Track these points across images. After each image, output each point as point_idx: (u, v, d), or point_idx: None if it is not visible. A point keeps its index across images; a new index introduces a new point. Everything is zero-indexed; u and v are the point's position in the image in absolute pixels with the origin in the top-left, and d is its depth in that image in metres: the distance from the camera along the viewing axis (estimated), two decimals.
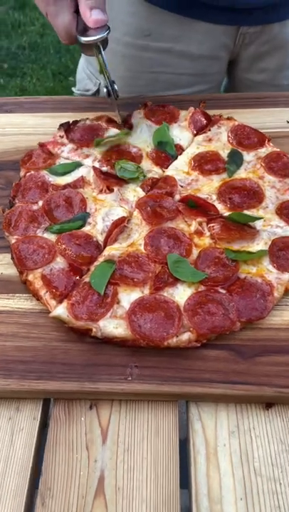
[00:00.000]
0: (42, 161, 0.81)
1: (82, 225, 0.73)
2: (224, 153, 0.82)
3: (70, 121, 0.87)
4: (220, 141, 0.84)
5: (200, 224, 0.73)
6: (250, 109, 0.92)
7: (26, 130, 0.90)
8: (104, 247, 0.71)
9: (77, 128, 0.86)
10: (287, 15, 0.96)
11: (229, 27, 0.97)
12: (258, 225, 0.73)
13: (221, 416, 0.59)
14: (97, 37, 0.73)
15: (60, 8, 0.72)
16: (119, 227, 0.72)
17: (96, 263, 0.69)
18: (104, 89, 0.80)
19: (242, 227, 0.72)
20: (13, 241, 0.71)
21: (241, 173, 0.79)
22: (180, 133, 0.86)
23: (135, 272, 0.66)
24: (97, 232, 0.72)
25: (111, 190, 0.78)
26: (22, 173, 0.81)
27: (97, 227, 0.73)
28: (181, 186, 0.78)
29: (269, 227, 0.72)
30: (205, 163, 0.80)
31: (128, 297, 0.64)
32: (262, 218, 0.72)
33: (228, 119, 0.87)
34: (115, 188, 0.78)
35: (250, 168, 0.80)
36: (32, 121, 0.92)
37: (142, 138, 0.85)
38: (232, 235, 0.71)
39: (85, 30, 0.73)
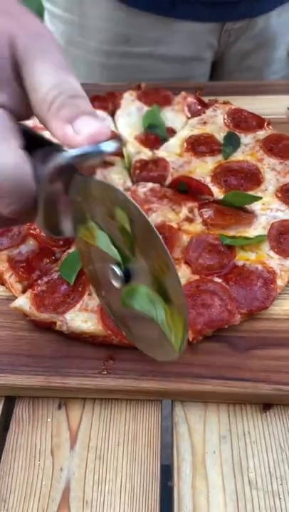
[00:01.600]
0: None
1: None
2: (220, 136, 0.76)
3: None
4: (215, 124, 0.78)
5: (190, 210, 0.66)
6: (247, 96, 0.86)
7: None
8: None
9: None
10: (272, 6, 0.92)
11: (213, 24, 0.92)
12: (256, 208, 0.65)
13: (211, 418, 0.50)
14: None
15: None
16: None
17: (69, 251, 0.61)
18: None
19: (237, 211, 0.65)
20: None
21: (238, 156, 0.73)
22: (173, 116, 0.80)
23: None
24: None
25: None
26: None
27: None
28: (173, 168, 0.71)
29: (269, 210, 0.65)
30: (198, 145, 0.74)
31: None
32: (260, 198, 0.65)
33: (224, 103, 0.82)
34: (98, 171, 0.72)
35: (248, 150, 0.73)
36: None
37: (131, 121, 0.79)
38: (227, 220, 0.64)
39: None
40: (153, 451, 0.49)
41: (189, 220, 0.65)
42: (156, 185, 0.69)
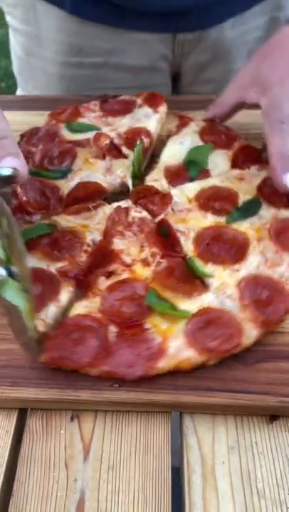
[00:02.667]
0: (67, 116, 0.82)
1: (61, 178, 0.73)
2: (243, 198, 0.69)
3: (111, 95, 0.86)
4: (250, 184, 0.71)
5: (152, 255, 0.63)
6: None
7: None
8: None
9: (115, 102, 0.85)
10: (222, 18, 0.93)
11: (164, 35, 0.93)
12: (213, 285, 0.60)
13: (219, 430, 0.52)
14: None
15: None
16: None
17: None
18: None
19: (194, 279, 0.60)
20: None
21: (243, 225, 0.66)
22: (220, 160, 0.75)
23: None
24: (67, 188, 0.71)
25: (105, 158, 0.75)
26: (45, 122, 0.82)
27: (69, 184, 0.71)
28: (172, 209, 0.68)
29: (221, 293, 0.59)
30: (215, 200, 0.69)
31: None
32: (209, 276, 0.60)
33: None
34: (108, 158, 0.75)
35: (258, 225, 0.66)
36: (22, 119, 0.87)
37: (178, 149, 0.76)
38: (173, 280, 0.59)
39: None
40: (163, 462, 0.50)
41: (146, 263, 0.62)
42: (149, 218, 0.67)
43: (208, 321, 0.55)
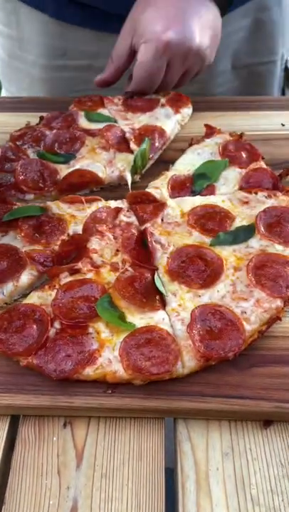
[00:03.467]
0: (90, 105, 0.86)
1: (63, 163, 0.76)
2: (239, 222, 0.66)
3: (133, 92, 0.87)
4: (252, 210, 0.68)
5: (123, 261, 0.62)
6: (243, 111, 0.88)
7: (7, 129, 0.85)
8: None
9: (139, 98, 0.87)
10: None
11: None
12: (170, 305, 0.58)
13: (213, 436, 0.52)
14: None
15: None
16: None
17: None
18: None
19: (155, 295, 0.59)
20: None
21: (227, 250, 0.63)
22: (231, 177, 0.73)
23: None
24: (64, 172, 0.74)
25: (109, 150, 0.77)
26: (70, 107, 0.85)
27: (68, 170, 0.74)
28: (162, 220, 0.67)
29: (175, 315, 0.57)
30: (208, 220, 0.66)
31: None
32: (161, 294, 0.58)
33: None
34: (112, 150, 0.77)
35: (242, 253, 0.63)
36: (16, 120, 0.87)
37: (194, 159, 0.76)
38: (132, 292, 0.58)
39: None
40: (157, 469, 0.50)
41: (114, 268, 0.61)
42: (135, 225, 0.66)
43: (148, 340, 0.54)
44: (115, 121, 0.82)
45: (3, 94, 1.12)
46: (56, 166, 0.75)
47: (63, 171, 0.74)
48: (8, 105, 0.92)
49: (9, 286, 0.59)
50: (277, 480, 0.49)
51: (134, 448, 0.51)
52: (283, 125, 0.85)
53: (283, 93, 1.13)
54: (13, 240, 0.64)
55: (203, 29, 0.77)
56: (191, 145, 0.78)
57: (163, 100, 0.85)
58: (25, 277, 0.60)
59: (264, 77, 1.07)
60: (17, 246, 0.63)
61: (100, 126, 0.80)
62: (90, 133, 0.80)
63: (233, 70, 1.03)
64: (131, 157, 0.75)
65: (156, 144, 0.78)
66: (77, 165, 0.75)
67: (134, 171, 0.74)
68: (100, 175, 0.73)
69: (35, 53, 0.96)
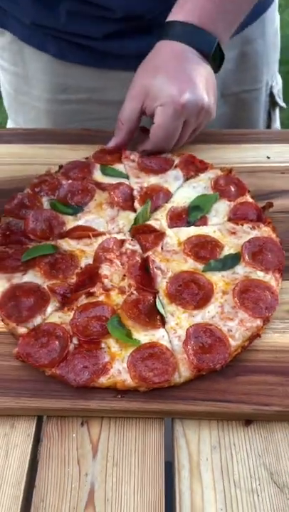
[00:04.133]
0: (108, 159, 0.91)
1: (71, 214, 0.83)
2: (228, 250, 0.76)
3: (149, 151, 0.93)
4: (238, 240, 0.77)
5: (129, 285, 0.72)
6: (232, 144, 0.98)
7: (23, 160, 0.96)
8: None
9: (154, 158, 0.91)
10: None
11: None
12: (169, 324, 0.68)
13: (204, 432, 0.63)
14: None
15: None
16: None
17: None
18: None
19: (156, 315, 0.69)
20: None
21: (215, 276, 0.73)
22: (221, 209, 0.83)
23: None
24: (70, 224, 0.81)
25: (114, 207, 0.84)
26: (90, 155, 0.93)
27: (76, 222, 0.82)
28: (161, 248, 0.77)
29: (172, 333, 0.67)
30: (201, 248, 0.76)
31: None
32: (165, 316, 0.68)
33: (273, 227, 0.80)
34: (116, 208, 0.83)
35: (229, 279, 0.72)
36: (30, 151, 0.97)
37: (189, 192, 0.85)
38: (136, 313, 0.68)
39: None
40: (158, 459, 0.61)
41: (121, 291, 0.71)
42: (139, 252, 0.76)
43: (151, 354, 0.64)
44: (127, 178, 0.88)
45: (10, 124, 1.21)
46: (64, 217, 0.81)
47: (70, 223, 0.81)
48: (21, 137, 1.02)
49: (38, 320, 0.69)
50: (255, 468, 0.60)
51: (139, 442, 0.62)
52: (269, 158, 0.95)
53: (269, 116, 1.23)
54: (34, 277, 0.73)
55: (208, 88, 0.85)
56: (187, 179, 0.88)
57: (176, 161, 0.90)
58: (50, 309, 0.70)
59: (251, 103, 1.17)
60: (38, 283, 0.72)
61: (112, 181, 0.86)
62: (101, 187, 0.85)
63: (221, 98, 1.11)
64: (132, 215, 0.82)
65: (159, 203, 0.84)
66: (83, 218, 0.81)
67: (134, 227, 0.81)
68: (102, 230, 0.80)
69: (40, 89, 1.05)
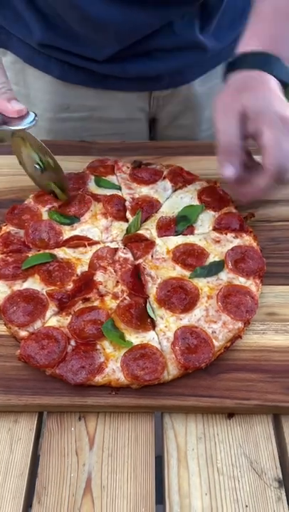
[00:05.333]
0: (101, 171, 0.96)
1: (68, 224, 0.88)
2: (212, 259, 0.81)
3: (144, 162, 0.98)
4: (222, 248, 0.83)
5: (122, 291, 0.77)
6: (201, 156, 1.02)
7: (21, 171, 1.01)
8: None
9: (145, 169, 0.96)
10: (191, 78, 1.08)
11: (141, 93, 1.08)
12: (159, 326, 0.74)
13: (190, 425, 0.69)
14: (26, 125, 0.83)
15: None
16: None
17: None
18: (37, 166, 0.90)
19: (146, 318, 0.74)
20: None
21: (201, 282, 0.79)
22: (206, 219, 0.88)
23: None
24: (68, 235, 0.86)
25: (108, 218, 0.89)
26: (84, 167, 0.98)
27: (72, 232, 0.87)
28: (152, 256, 0.83)
29: (162, 335, 0.73)
30: (188, 256, 0.81)
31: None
32: (156, 319, 0.74)
33: (254, 236, 0.85)
34: (110, 218, 0.89)
35: (214, 285, 0.78)
36: None
37: (177, 202, 0.90)
38: (128, 316, 0.74)
39: (4, 123, 0.82)
40: (149, 449, 0.67)
41: (115, 296, 0.77)
42: (131, 260, 0.82)
43: (142, 354, 0.70)
44: (120, 189, 0.93)
45: None
46: (62, 227, 0.87)
47: (66, 233, 0.86)
48: None
49: (38, 323, 0.74)
50: (236, 457, 0.67)
51: (132, 435, 0.68)
52: None
53: None
54: (33, 284, 0.79)
55: None
56: (176, 190, 0.94)
57: (165, 172, 0.95)
58: (49, 314, 0.76)
59: None
60: (37, 289, 0.78)
61: (106, 192, 0.92)
62: (96, 198, 0.90)
63: None
64: (125, 225, 0.87)
65: (149, 213, 0.89)
66: (79, 228, 0.86)
67: (126, 236, 0.86)
68: (96, 239, 0.85)
69: (42, 108, 1.09)
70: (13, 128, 0.82)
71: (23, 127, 0.83)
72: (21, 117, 0.83)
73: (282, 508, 0.62)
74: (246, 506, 0.62)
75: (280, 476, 0.65)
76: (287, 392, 0.69)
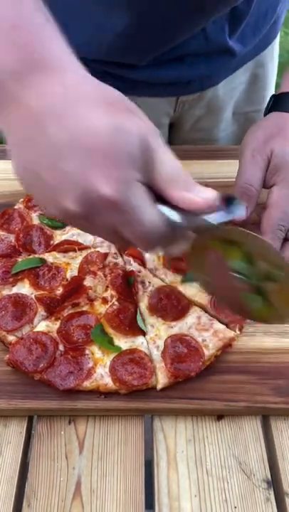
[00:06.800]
0: None
1: (58, 228, 0.88)
2: None
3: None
4: None
5: (111, 296, 0.77)
6: (210, 160, 1.05)
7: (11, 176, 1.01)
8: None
9: None
10: (218, 81, 1.09)
11: (171, 98, 1.09)
12: (148, 334, 0.74)
13: (180, 427, 0.70)
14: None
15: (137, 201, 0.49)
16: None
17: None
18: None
19: (136, 326, 0.74)
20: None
21: (193, 288, 0.79)
22: None
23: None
24: (59, 239, 0.86)
25: None
26: None
27: (63, 236, 0.87)
28: (144, 264, 0.83)
29: (152, 342, 0.73)
30: (179, 259, 0.80)
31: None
32: (144, 329, 0.73)
33: None
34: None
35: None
36: None
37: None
38: (118, 321, 0.74)
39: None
40: (139, 452, 0.68)
41: (104, 301, 0.77)
42: (121, 265, 0.82)
43: (131, 359, 0.70)
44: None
45: None
46: (52, 231, 0.87)
47: (57, 237, 0.86)
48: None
49: (26, 328, 0.75)
50: (225, 458, 0.67)
51: (121, 438, 0.69)
52: None
53: None
54: (22, 288, 0.79)
55: None
56: None
57: None
58: (38, 319, 0.76)
59: (255, 121, 1.21)
60: (27, 293, 0.78)
61: None
62: None
63: (233, 117, 1.19)
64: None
65: None
66: (70, 232, 0.86)
67: None
68: (87, 244, 0.85)
69: None
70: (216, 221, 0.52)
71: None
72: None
73: (270, 509, 0.63)
74: (235, 507, 0.63)
75: (269, 477, 0.65)
76: (276, 393, 0.70)
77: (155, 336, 0.74)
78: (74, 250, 0.85)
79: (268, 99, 1.19)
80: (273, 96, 0.87)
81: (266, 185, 0.78)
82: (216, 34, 0.97)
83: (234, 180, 0.98)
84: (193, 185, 0.51)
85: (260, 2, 1.00)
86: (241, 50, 1.04)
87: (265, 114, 0.87)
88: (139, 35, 0.92)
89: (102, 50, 0.96)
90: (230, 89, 1.13)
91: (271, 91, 1.22)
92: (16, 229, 0.87)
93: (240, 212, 0.53)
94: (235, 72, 1.10)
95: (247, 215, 0.74)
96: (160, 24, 0.90)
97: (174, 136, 1.22)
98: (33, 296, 0.78)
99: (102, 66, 1.00)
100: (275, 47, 1.16)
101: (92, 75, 1.01)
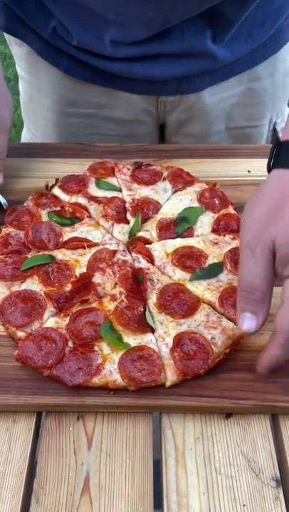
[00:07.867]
0: (101, 173, 0.96)
1: (67, 225, 0.88)
2: (211, 261, 0.82)
3: (144, 163, 0.98)
4: (221, 250, 0.83)
5: (120, 293, 0.77)
6: (216, 158, 1.05)
7: (21, 173, 1.02)
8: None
9: (145, 170, 0.97)
10: (201, 87, 1.07)
11: (148, 96, 1.09)
12: (157, 331, 0.74)
13: (188, 425, 0.69)
14: None
15: None
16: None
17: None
18: None
19: (145, 323, 0.74)
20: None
21: (201, 286, 0.79)
22: (206, 220, 0.88)
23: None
24: (68, 237, 0.87)
25: (108, 221, 0.89)
26: (86, 168, 0.98)
27: (72, 234, 0.87)
28: (152, 261, 0.82)
29: (161, 339, 0.73)
30: (188, 259, 0.81)
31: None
32: (155, 326, 0.73)
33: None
34: (111, 221, 0.89)
35: (214, 287, 0.78)
36: (27, 165, 1.03)
37: (177, 204, 0.91)
38: (126, 319, 0.74)
39: None
40: (147, 449, 0.68)
41: (113, 298, 0.76)
42: (130, 262, 0.82)
43: (140, 356, 0.70)
44: (120, 190, 0.93)
45: (24, 130, 1.28)
46: (61, 228, 0.87)
47: (66, 234, 0.87)
48: (19, 151, 1.08)
49: (36, 324, 0.75)
50: (234, 456, 0.67)
51: (130, 435, 0.68)
52: (249, 171, 1.02)
53: None
54: (32, 285, 0.79)
55: None
56: (175, 191, 0.95)
57: (165, 174, 0.96)
58: (47, 315, 0.76)
59: (254, 137, 1.21)
60: (36, 290, 0.78)
61: (107, 194, 0.92)
62: (97, 200, 0.91)
63: (226, 131, 1.17)
64: (126, 227, 0.88)
65: (149, 214, 0.89)
66: (79, 230, 0.86)
67: (129, 238, 0.87)
68: (96, 241, 0.86)
69: (50, 100, 1.11)
70: None
71: None
72: None
73: (279, 507, 0.62)
74: (244, 505, 0.63)
75: (278, 475, 0.65)
76: (285, 391, 0.70)
77: (164, 333, 0.74)
78: (83, 247, 0.85)
79: (268, 116, 1.18)
80: (277, 141, 0.70)
81: (279, 276, 0.64)
82: (194, 36, 0.96)
83: (241, 179, 1.01)
84: None
85: (257, 11, 0.97)
86: (228, 57, 1.01)
87: (269, 165, 0.71)
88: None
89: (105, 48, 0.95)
90: (219, 99, 1.11)
91: (274, 110, 1.18)
92: (26, 226, 0.88)
93: None
94: (225, 81, 1.08)
95: (258, 326, 0.64)
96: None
97: (164, 138, 1.22)
98: (42, 292, 0.78)
99: (80, 54, 1.00)
100: (277, 62, 1.11)
101: (72, 62, 1.03)
